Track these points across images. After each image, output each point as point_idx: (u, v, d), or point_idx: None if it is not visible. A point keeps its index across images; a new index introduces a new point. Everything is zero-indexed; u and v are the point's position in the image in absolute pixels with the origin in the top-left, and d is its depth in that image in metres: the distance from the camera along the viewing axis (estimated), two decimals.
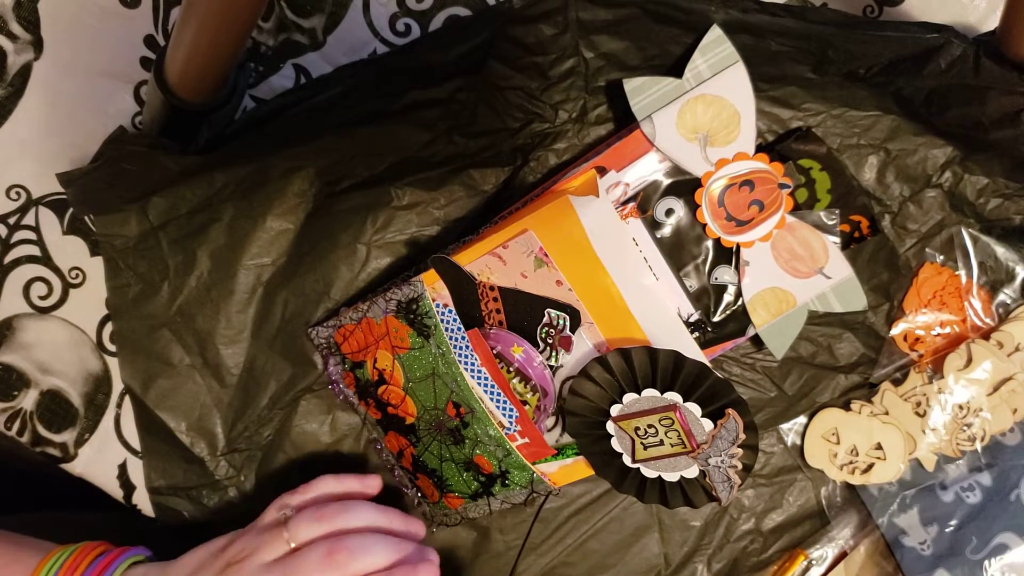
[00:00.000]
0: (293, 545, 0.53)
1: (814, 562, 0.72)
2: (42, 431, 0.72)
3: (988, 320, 0.69)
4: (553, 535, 0.71)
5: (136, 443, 0.72)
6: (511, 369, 0.62)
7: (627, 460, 0.63)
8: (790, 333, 0.66)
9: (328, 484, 0.59)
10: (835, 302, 0.65)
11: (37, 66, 0.72)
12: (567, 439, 0.65)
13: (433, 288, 0.62)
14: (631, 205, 0.64)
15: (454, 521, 0.70)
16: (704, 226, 0.64)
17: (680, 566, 0.72)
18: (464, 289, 0.62)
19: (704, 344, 0.65)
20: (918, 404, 0.69)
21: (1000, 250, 0.69)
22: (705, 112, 0.63)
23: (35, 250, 0.72)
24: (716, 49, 0.63)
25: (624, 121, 0.66)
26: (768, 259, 0.64)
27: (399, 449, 0.68)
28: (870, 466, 0.69)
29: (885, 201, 0.69)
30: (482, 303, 0.62)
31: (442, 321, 0.61)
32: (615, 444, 0.62)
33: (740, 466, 0.59)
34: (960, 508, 0.68)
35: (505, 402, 0.61)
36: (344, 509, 0.55)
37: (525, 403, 0.62)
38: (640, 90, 0.63)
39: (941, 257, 0.69)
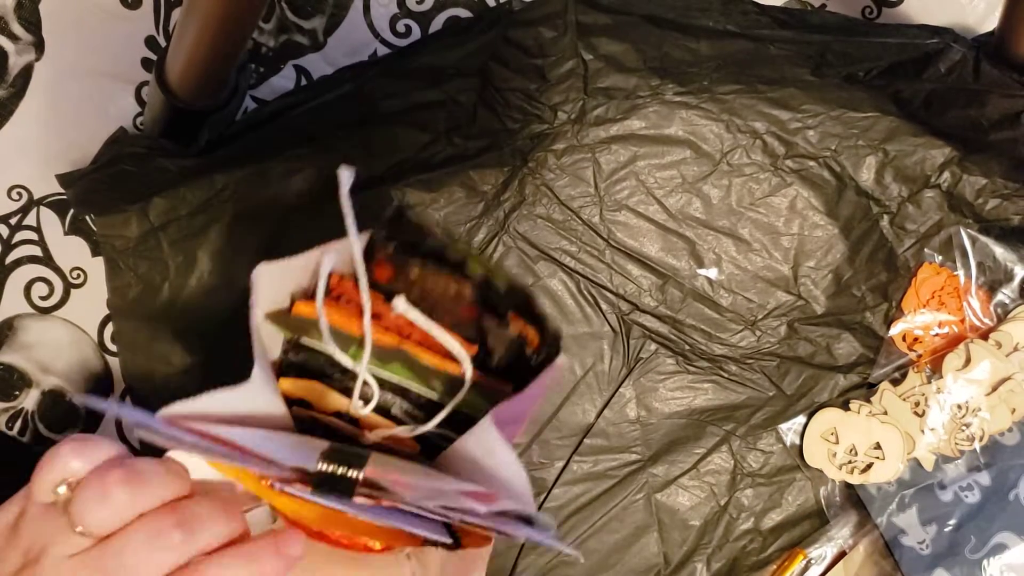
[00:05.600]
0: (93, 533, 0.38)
1: (813, 561, 0.72)
2: (43, 431, 0.72)
3: (987, 320, 0.69)
4: None
5: (137, 443, 0.72)
6: None
7: None
8: None
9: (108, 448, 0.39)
10: None
11: (39, 67, 0.72)
12: None
13: None
14: None
15: None
16: None
17: (679, 565, 0.72)
18: None
19: None
20: (917, 404, 0.69)
21: (999, 250, 0.69)
22: None
23: (36, 250, 0.73)
24: None
25: None
26: None
27: None
28: (869, 466, 0.69)
29: (884, 201, 0.69)
30: None
31: None
32: None
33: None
34: (959, 508, 0.68)
35: None
36: (136, 480, 0.37)
37: None
38: None
39: (940, 257, 0.69)
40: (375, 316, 0.41)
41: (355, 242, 0.40)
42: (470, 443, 0.39)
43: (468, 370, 0.41)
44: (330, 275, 0.42)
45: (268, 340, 0.42)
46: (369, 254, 0.42)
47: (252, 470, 0.36)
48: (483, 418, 0.37)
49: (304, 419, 0.41)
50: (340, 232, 0.40)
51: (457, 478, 0.38)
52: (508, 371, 0.43)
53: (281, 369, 0.42)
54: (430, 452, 0.42)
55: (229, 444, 0.35)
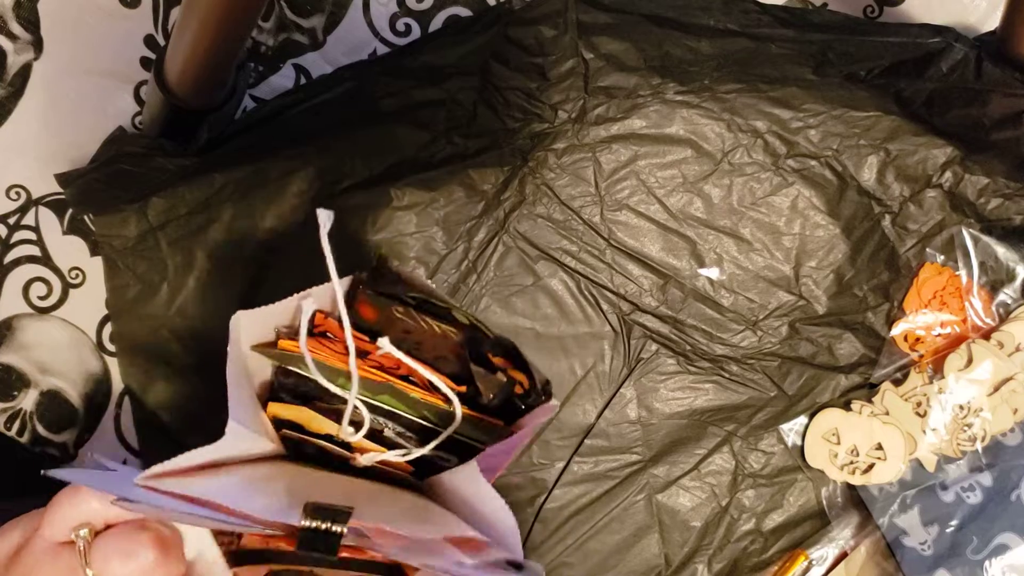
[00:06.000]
0: None
1: (814, 562, 0.72)
2: (42, 431, 0.72)
3: (988, 320, 0.69)
4: (553, 535, 0.71)
5: (136, 443, 0.72)
6: None
7: None
8: None
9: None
10: None
11: (37, 66, 0.72)
12: None
13: None
14: None
15: None
16: None
17: (680, 566, 0.72)
18: None
19: None
20: (918, 404, 0.69)
21: (1001, 250, 0.69)
22: None
23: (35, 250, 0.72)
24: None
25: None
26: None
27: None
28: (870, 466, 0.69)
29: (885, 201, 0.69)
30: None
31: None
32: None
33: None
34: (961, 508, 0.68)
35: None
36: (163, 547, 0.37)
37: None
38: None
39: (942, 257, 0.69)
40: (362, 354, 0.41)
41: (338, 287, 0.40)
42: (459, 479, 0.39)
43: (458, 409, 0.41)
44: (314, 313, 0.42)
45: (256, 363, 0.42)
46: (352, 295, 0.42)
47: (234, 527, 0.35)
48: (471, 461, 0.37)
49: (295, 441, 0.41)
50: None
51: (446, 509, 0.39)
52: (498, 410, 0.43)
53: (272, 390, 0.42)
54: (423, 473, 0.42)
55: (209, 504, 0.35)
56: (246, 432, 0.38)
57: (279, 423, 0.41)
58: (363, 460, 0.41)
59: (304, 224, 0.67)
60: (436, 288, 0.43)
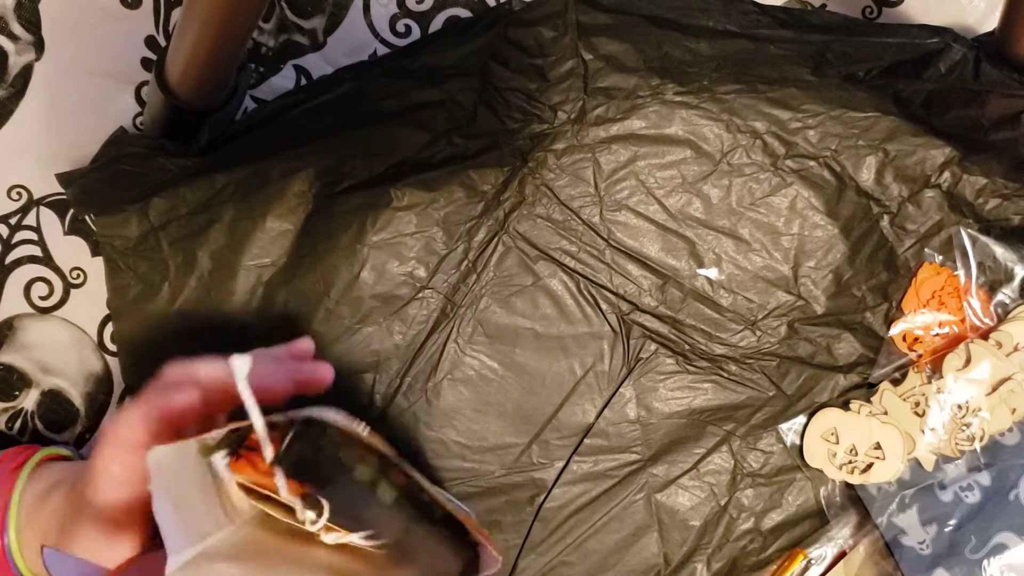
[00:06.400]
0: None
1: (813, 561, 0.72)
2: (43, 431, 0.72)
3: (987, 320, 0.69)
4: (553, 534, 0.71)
5: None
6: None
7: None
8: None
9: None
10: None
11: (38, 67, 0.72)
12: None
13: None
14: None
15: None
16: None
17: (680, 566, 0.72)
18: None
19: None
20: (917, 404, 0.69)
21: (999, 250, 0.69)
22: None
23: (36, 250, 0.73)
24: None
25: None
26: None
27: None
28: (869, 466, 0.69)
29: (884, 202, 0.69)
30: None
31: None
32: None
33: None
34: (959, 508, 0.68)
35: None
36: None
37: None
38: None
39: (940, 257, 0.69)
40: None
41: (264, 437, 0.39)
42: None
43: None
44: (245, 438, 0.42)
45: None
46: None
47: None
48: None
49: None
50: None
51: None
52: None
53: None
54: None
55: None
56: (192, 550, 0.38)
57: (246, 488, 0.41)
58: (328, 540, 0.41)
59: (305, 224, 0.67)
60: (385, 448, 0.42)
